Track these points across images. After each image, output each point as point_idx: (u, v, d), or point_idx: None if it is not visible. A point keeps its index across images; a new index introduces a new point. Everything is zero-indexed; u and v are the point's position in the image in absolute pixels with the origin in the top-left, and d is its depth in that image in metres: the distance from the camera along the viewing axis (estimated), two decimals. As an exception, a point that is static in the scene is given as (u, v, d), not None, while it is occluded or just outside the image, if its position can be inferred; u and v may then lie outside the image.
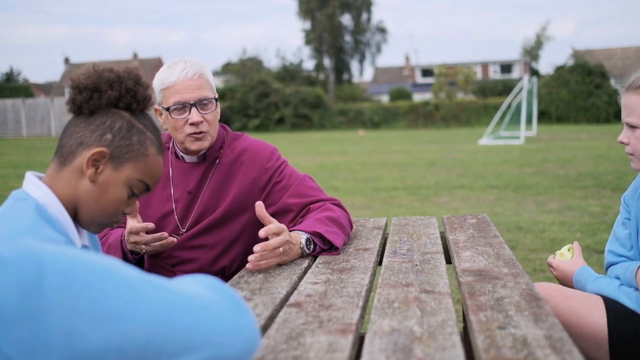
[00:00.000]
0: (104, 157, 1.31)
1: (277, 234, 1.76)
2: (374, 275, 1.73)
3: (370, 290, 1.57)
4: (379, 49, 56.97)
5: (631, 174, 2.14)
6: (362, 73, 58.28)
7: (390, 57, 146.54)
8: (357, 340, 1.22)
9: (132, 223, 1.91)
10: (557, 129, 26.95)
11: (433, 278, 1.58)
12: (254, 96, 36.84)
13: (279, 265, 1.79)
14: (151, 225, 1.90)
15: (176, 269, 2.09)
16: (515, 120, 22.62)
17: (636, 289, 1.78)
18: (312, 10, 54.28)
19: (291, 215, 2.05)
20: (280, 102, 36.96)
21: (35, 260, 0.79)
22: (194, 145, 2.02)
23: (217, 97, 2.06)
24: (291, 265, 1.79)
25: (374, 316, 1.28)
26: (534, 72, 48.23)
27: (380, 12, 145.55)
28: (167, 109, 1.98)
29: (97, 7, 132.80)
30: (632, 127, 1.79)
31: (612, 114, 31.63)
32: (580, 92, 33.32)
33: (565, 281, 1.99)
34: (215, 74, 49.06)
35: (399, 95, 44.23)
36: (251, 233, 2.03)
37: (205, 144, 2.03)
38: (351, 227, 2.15)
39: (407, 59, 60.08)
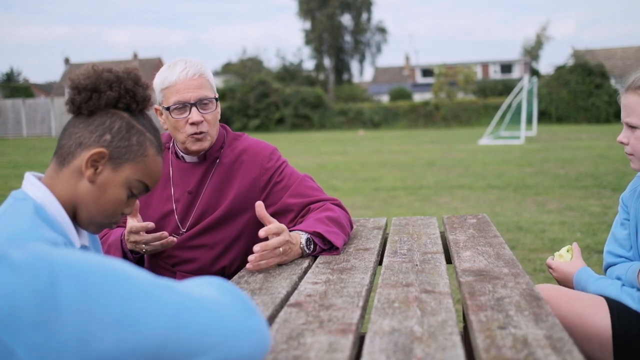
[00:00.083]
0: (103, 158, 1.31)
1: (277, 234, 1.76)
2: (374, 275, 1.73)
3: (370, 290, 1.57)
4: (379, 49, 56.99)
5: (631, 174, 2.14)
6: (362, 73, 58.33)
7: (390, 57, 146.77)
8: (358, 340, 1.22)
9: (132, 222, 1.91)
10: (557, 129, 26.95)
11: (433, 278, 1.58)
12: (254, 96, 36.85)
13: (279, 265, 1.79)
14: (151, 224, 1.90)
15: (176, 268, 2.09)
16: (515, 120, 22.62)
17: (638, 290, 1.78)
18: (312, 10, 54.29)
19: (291, 215, 2.05)
20: (281, 102, 36.96)
21: (48, 265, 0.79)
22: (194, 146, 2.02)
23: (217, 97, 2.06)
24: (291, 265, 1.79)
25: (374, 316, 1.28)
26: (534, 72, 48.23)
27: (380, 12, 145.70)
28: (168, 109, 1.98)
29: (97, 7, 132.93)
30: (631, 127, 1.79)
31: (612, 114, 31.61)
32: (581, 92, 33.32)
33: (566, 282, 1.98)
34: (215, 74, 49.05)
35: (399, 95, 44.23)
36: (251, 233, 2.03)
37: (205, 144, 2.03)
38: (351, 227, 2.15)
39: (407, 59, 60.08)
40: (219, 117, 2.07)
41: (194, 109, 1.97)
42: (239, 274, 1.73)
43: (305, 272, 1.73)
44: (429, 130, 32.51)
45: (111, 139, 1.32)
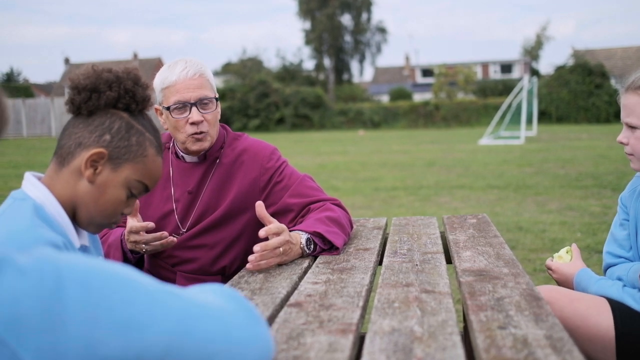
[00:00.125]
0: (103, 158, 1.31)
1: (277, 233, 1.76)
2: (374, 275, 1.73)
3: (370, 290, 1.57)
4: (379, 49, 57.01)
5: (631, 174, 2.14)
6: (362, 73, 58.34)
7: (390, 57, 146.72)
8: (358, 340, 1.21)
9: (133, 222, 1.91)
10: (558, 129, 26.94)
11: (433, 278, 1.58)
12: (254, 96, 36.85)
13: (279, 265, 1.79)
14: (151, 224, 1.90)
15: (176, 268, 2.09)
16: (515, 120, 22.62)
17: None
18: (312, 10, 54.29)
19: (291, 215, 2.05)
20: (281, 102, 36.96)
21: (55, 270, 0.79)
22: (194, 146, 2.02)
23: (217, 96, 2.06)
24: (291, 265, 1.79)
25: (374, 316, 1.28)
26: (534, 72, 48.22)
27: (380, 12, 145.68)
28: (168, 108, 1.98)
29: (97, 7, 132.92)
30: (631, 127, 1.79)
31: (613, 114, 31.61)
32: (581, 92, 33.32)
33: (566, 284, 1.97)
34: (215, 74, 49.06)
35: (399, 95, 44.23)
36: (251, 233, 2.03)
37: (205, 144, 2.03)
38: (351, 227, 2.15)
39: (407, 59, 60.09)
40: (219, 117, 2.07)
41: (194, 108, 1.97)
42: (239, 274, 1.73)
43: (305, 272, 1.73)
44: (429, 130, 32.51)
45: (110, 139, 1.32)
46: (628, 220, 1.91)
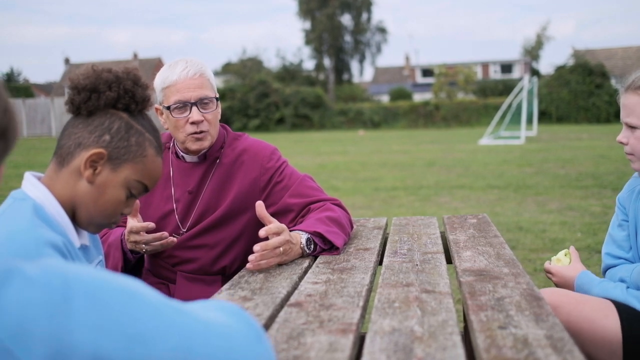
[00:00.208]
0: (102, 159, 1.31)
1: (278, 233, 1.76)
2: (374, 275, 1.73)
3: (370, 290, 1.57)
4: (379, 49, 57.00)
5: (632, 174, 2.14)
6: (362, 73, 58.34)
7: (390, 57, 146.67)
8: (358, 340, 1.21)
9: (133, 222, 1.91)
10: (558, 129, 26.95)
11: (433, 278, 1.58)
12: (254, 96, 36.84)
13: (280, 265, 1.78)
14: (152, 224, 1.90)
15: (177, 268, 2.09)
16: (515, 120, 22.62)
17: None
18: (312, 10, 54.30)
19: (291, 215, 2.05)
20: (281, 102, 36.96)
21: (63, 281, 0.79)
22: (194, 145, 2.02)
23: (217, 96, 2.06)
24: (291, 265, 1.79)
25: (374, 316, 1.28)
26: (535, 72, 48.23)
27: (380, 12, 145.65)
28: (168, 108, 1.98)
29: (97, 7, 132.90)
30: (631, 127, 1.79)
31: (613, 114, 31.59)
32: (581, 92, 33.31)
33: (566, 287, 1.95)
34: (215, 74, 49.02)
35: (399, 95, 44.23)
36: (252, 233, 2.03)
37: (205, 144, 2.03)
38: (351, 227, 2.15)
39: (407, 59, 60.09)
40: (219, 116, 2.07)
41: (194, 108, 1.97)
42: (240, 273, 1.73)
43: (305, 272, 1.73)
44: (429, 130, 32.51)
45: (110, 139, 1.32)
46: (626, 221, 1.91)
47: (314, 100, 37.25)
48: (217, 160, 2.09)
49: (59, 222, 1.30)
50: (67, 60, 51.04)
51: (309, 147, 20.22)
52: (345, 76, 56.09)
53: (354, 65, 65.61)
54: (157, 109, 2.03)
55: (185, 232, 2.08)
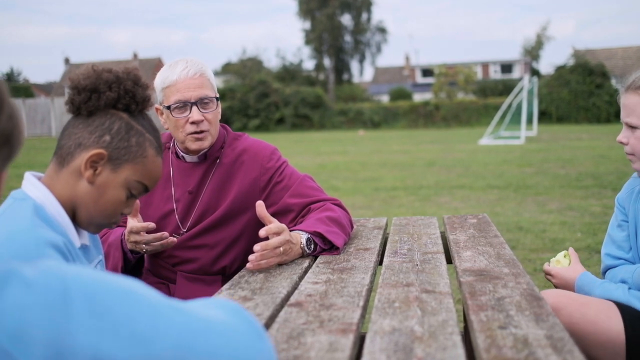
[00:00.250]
0: (102, 159, 1.31)
1: (278, 233, 1.76)
2: (374, 275, 1.73)
3: (370, 290, 1.57)
4: (379, 49, 56.99)
5: (632, 174, 2.13)
6: (362, 73, 58.32)
7: (390, 57, 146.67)
8: (358, 339, 1.21)
9: (133, 222, 1.91)
10: (558, 129, 26.94)
11: (434, 278, 1.58)
12: (254, 96, 36.84)
13: (280, 265, 1.79)
14: (152, 224, 1.90)
15: (177, 268, 2.09)
16: (515, 120, 22.62)
17: None
18: (312, 10, 54.29)
19: (292, 215, 2.05)
20: (281, 102, 36.96)
21: (61, 283, 0.79)
22: (194, 145, 2.02)
23: (218, 96, 2.06)
24: (292, 265, 1.79)
25: (374, 316, 1.28)
26: (535, 72, 48.22)
27: (380, 12, 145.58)
28: (168, 108, 1.99)
29: (97, 7, 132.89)
30: (631, 127, 1.79)
31: (613, 114, 31.58)
32: (581, 92, 33.30)
33: (566, 288, 1.94)
34: (215, 74, 48.99)
35: (399, 95, 44.22)
36: (252, 233, 2.03)
37: (205, 143, 2.03)
38: (352, 227, 2.15)
39: (407, 59, 60.08)
40: (219, 116, 2.07)
41: (194, 108, 1.97)
42: (240, 273, 1.73)
43: (305, 272, 1.73)
44: (429, 130, 32.51)
45: (110, 139, 1.32)
46: (626, 222, 1.90)
47: (314, 100, 37.25)
48: (217, 160, 2.10)
49: (59, 222, 1.30)
50: (67, 60, 51.04)
51: (309, 147, 20.22)
52: (345, 76, 56.08)
53: (354, 65, 65.63)
54: (157, 109, 2.03)
55: (186, 232, 2.08)
